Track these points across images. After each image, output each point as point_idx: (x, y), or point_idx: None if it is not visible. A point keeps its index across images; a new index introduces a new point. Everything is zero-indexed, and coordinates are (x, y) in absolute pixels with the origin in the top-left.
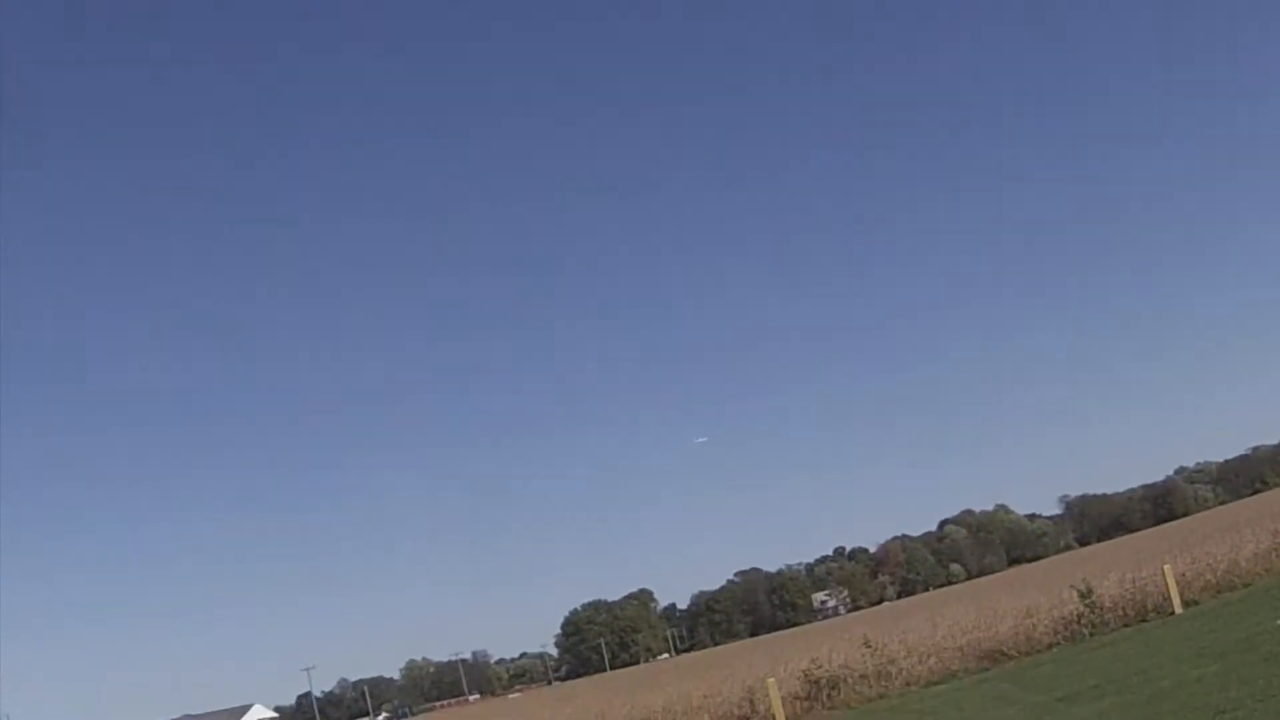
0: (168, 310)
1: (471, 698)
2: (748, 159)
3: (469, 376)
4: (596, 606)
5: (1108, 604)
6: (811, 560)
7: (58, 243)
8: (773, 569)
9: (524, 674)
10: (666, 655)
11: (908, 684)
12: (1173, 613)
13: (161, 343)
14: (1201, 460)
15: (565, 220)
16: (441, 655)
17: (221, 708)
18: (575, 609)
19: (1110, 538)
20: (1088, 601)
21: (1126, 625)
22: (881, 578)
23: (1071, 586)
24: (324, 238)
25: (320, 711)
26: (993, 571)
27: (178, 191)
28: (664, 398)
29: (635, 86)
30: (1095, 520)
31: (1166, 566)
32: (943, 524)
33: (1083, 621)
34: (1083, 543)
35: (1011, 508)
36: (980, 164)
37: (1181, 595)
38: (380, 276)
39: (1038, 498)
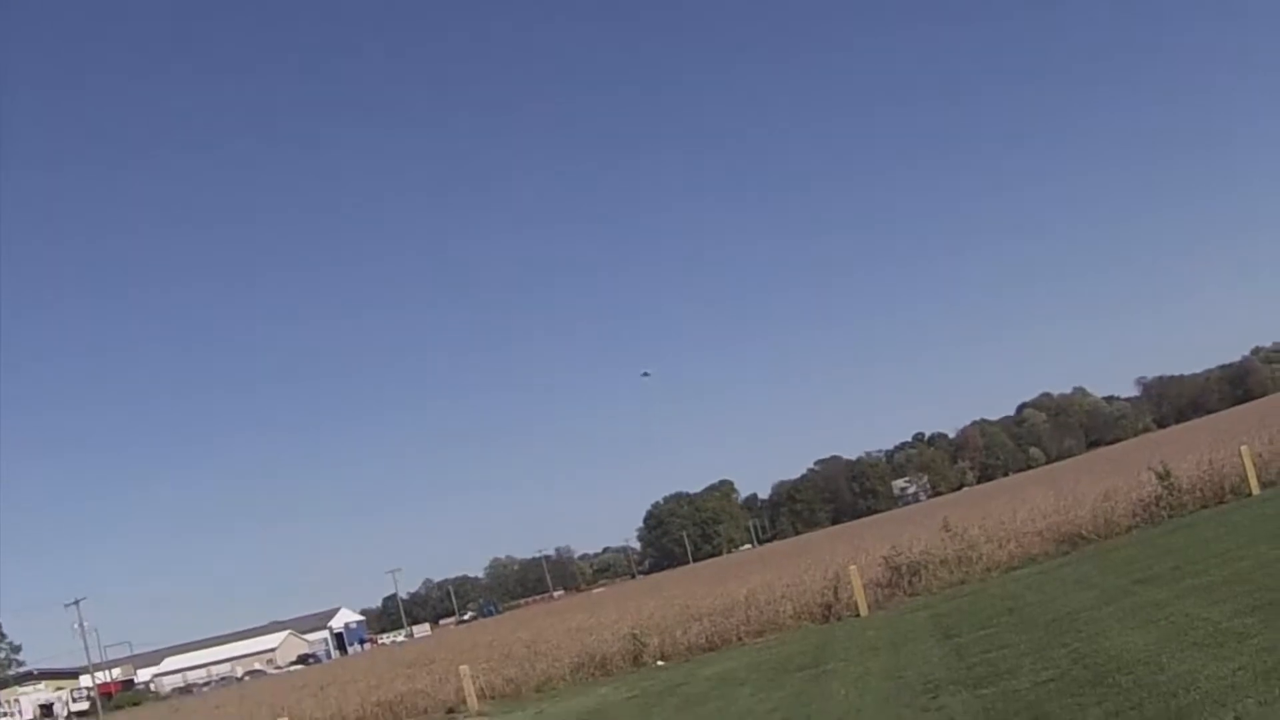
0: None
1: (556, 594)
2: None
3: (546, 278)
4: (678, 499)
5: (1185, 486)
6: (891, 447)
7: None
8: (852, 456)
9: (607, 568)
10: (749, 545)
11: (988, 569)
12: (1250, 494)
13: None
14: (1279, 340)
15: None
16: (525, 553)
17: (308, 613)
18: (657, 502)
19: (1188, 419)
20: (1166, 484)
21: (1204, 507)
22: (961, 463)
23: (1149, 469)
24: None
25: (406, 612)
26: (1072, 455)
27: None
28: (741, 289)
29: None
30: (1173, 401)
31: (1244, 448)
32: (1021, 408)
33: (1161, 504)
34: (1160, 424)
35: (1089, 390)
36: (1065, 38)
37: (1259, 476)
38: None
39: (1115, 380)
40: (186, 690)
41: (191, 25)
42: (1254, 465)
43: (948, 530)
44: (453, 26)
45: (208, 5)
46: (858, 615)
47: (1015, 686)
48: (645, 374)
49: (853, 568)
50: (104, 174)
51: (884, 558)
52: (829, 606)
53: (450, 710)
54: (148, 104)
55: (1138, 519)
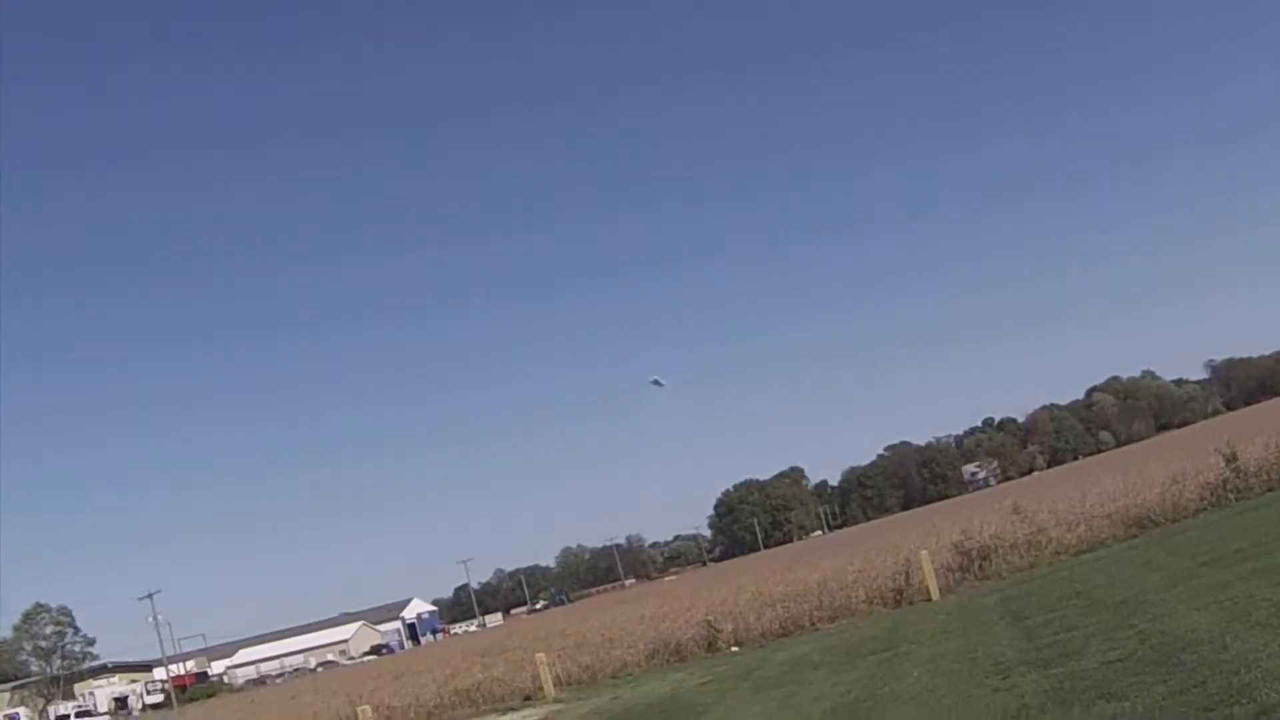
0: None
1: (627, 582)
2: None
3: (611, 266)
4: (748, 486)
5: (1253, 469)
6: (960, 432)
7: None
8: (922, 442)
9: (678, 556)
10: (819, 532)
11: (1057, 553)
12: None
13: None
14: None
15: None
16: (596, 542)
17: (381, 603)
18: (727, 489)
19: (1257, 401)
20: (1233, 466)
21: (1271, 490)
22: (1030, 447)
23: (1217, 451)
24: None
25: (478, 602)
26: (1141, 438)
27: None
28: (810, 275)
29: None
30: (1242, 384)
31: None
32: (1090, 392)
33: (1228, 487)
34: (1230, 407)
35: (1158, 374)
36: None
37: None
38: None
39: (1184, 363)
40: (260, 681)
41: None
42: None
43: (1017, 514)
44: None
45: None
46: (929, 599)
47: (1083, 666)
48: (656, 382)
49: (924, 553)
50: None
51: (954, 543)
52: (900, 591)
53: (527, 697)
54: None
55: (1205, 502)
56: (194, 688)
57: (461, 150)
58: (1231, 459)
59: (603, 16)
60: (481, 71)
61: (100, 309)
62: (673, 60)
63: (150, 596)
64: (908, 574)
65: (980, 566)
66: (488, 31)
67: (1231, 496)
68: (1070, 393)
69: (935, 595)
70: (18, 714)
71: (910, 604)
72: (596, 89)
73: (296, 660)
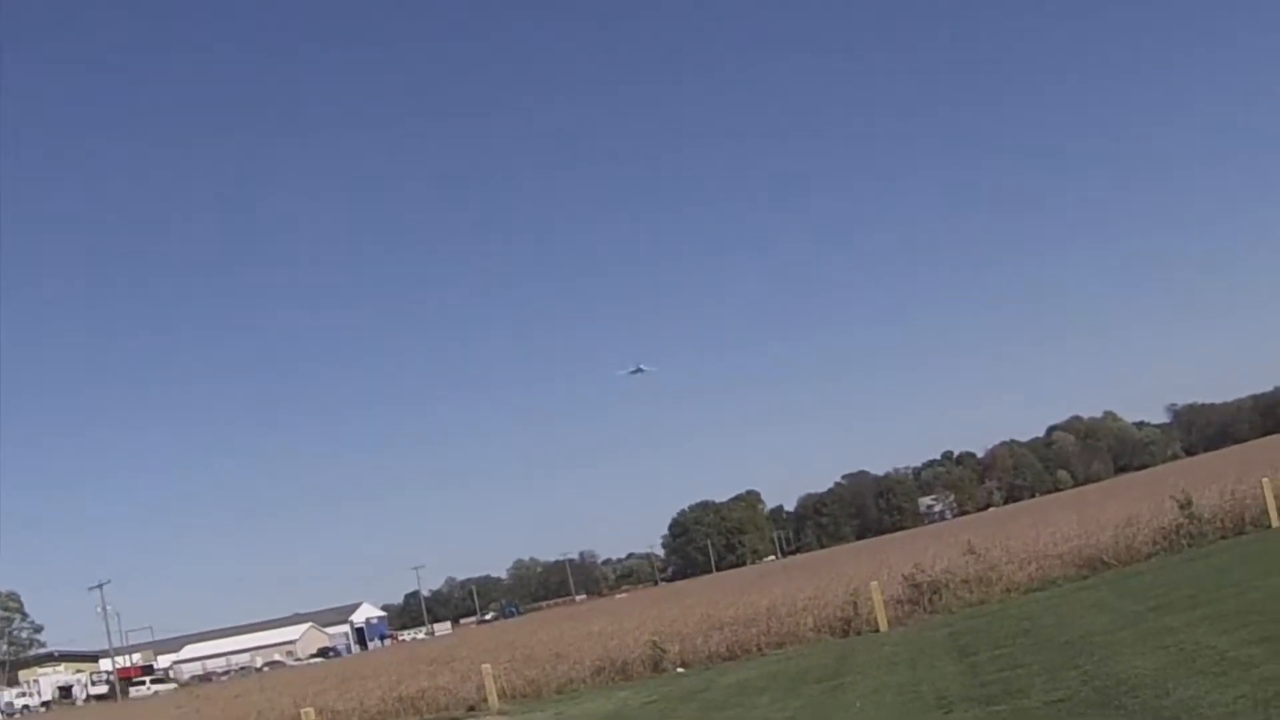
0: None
1: (578, 597)
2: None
3: (580, 282)
4: (704, 507)
5: (1207, 515)
6: (919, 464)
7: None
8: (880, 472)
9: (631, 574)
10: (773, 557)
11: (1008, 590)
12: (1270, 525)
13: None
14: None
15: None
16: (549, 555)
17: (330, 606)
18: (683, 510)
19: (1218, 447)
20: (1187, 512)
21: (1224, 537)
22: (988, 483)
23: (1171, 497)
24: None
25: (428, 610)
26: (1099, 479)
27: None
28: (776, 300)
29: None
30: (1203, 429)
31: (1265, 480)
32: (1051, 430)
33: (1181, 532)
34: (1190, 452)
35: (1120, 415)
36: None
37: None
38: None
39: (1146, 406)
40: (206, 678)
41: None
42: (1275, 498)
43: (972, 553)
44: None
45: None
46: (877, 631)
47: (1026, 705)
48: (639, 369)
49: (874, 584)
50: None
51: (905, 575)
52: (849, 621)
53: (471, 708)
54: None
55: (1158, 546)
56: (139, 680)
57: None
58: (1186, 505)
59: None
60: (463, 70)
61: (53, 299)
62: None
63: (100, 587)
64: (857, 604)
65: (930, 600)
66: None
67: (1185, 542)
68: (1031, 430)
69: (884, 627)
70: None
71: (858, 634)
72: (543, 96)
73: (243, 659)
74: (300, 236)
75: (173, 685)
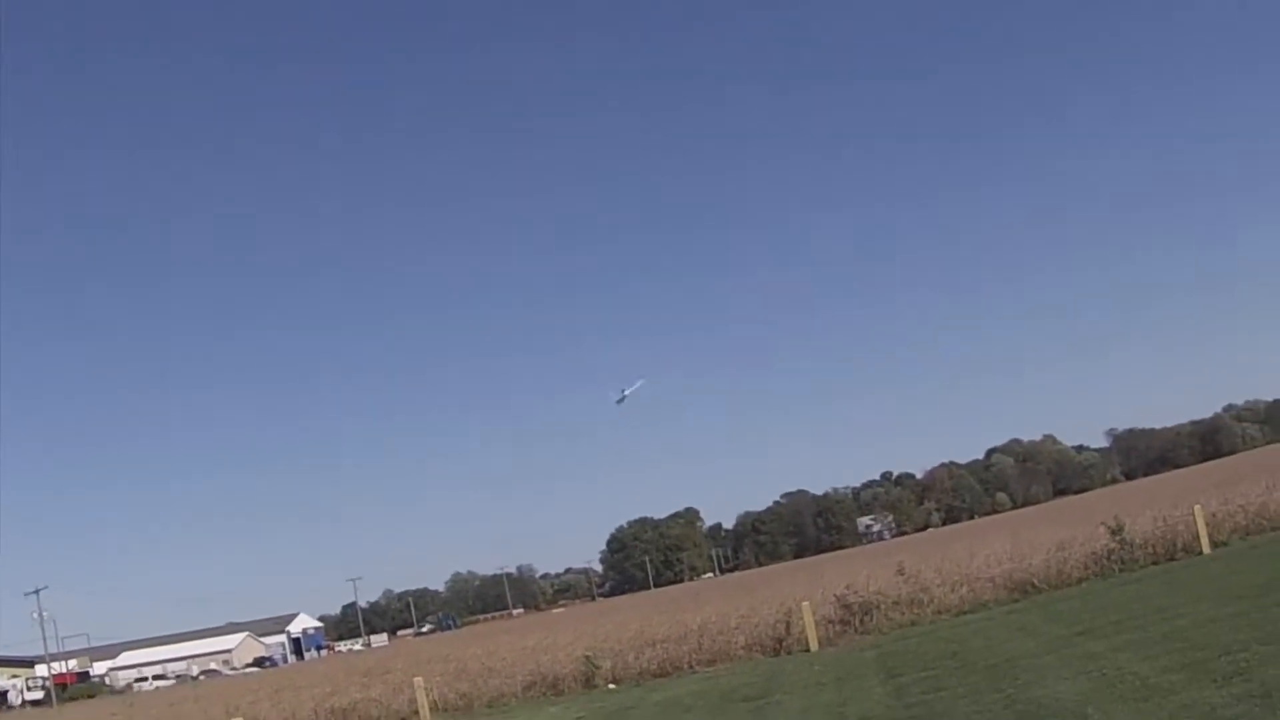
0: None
1: (515, 611)
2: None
3: (521, 294)
4: (643, 524)
5: (1138, 541)
6: (858, 484)
7: None
8: (819, 491)
9: (568, 589)
10: (711, 574)
11: (939, 612)
12: (1201, 553)
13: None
14: (1251, 399)
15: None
16: (487, 569)
17: (267, 616)
18: (621, 526)
19: (1156, 472)
20: (1118, 538)
21: (1155, 563)
22: (927, 504)
23: (1103, 524)
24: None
25: (365, 622)
26: (1038, 501)
27: None
28: (717, 319)
29: None
30: (1142, 454)
31: (1197, 507)
32: (990, 452)
33: (1112, 558)
34: (1129, 476)
35: (1059, 439)
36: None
37: (1211, 536)
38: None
39: (1086, 430)
40: (142, 682)
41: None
42: (1206, 525)
43: (902, 574)
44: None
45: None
46: (808, 650)
47: None
48: (623, 395)
49: (805, 603)
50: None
51: (837, 596)
52: (780, 640)
53: None
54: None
55: (1089, 571)
56: (75, 687)
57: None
58: (1117, 530)
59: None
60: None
61: None
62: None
63: (36, 592)
64: (789, 623)
65: (861, 621)
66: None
67: (1116, 567)
68: (970, 452)
69: (814, 646)
70: None
71: (789, 653)
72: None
73: (179, 666)
74: (257, 241)
75: (172, 681)
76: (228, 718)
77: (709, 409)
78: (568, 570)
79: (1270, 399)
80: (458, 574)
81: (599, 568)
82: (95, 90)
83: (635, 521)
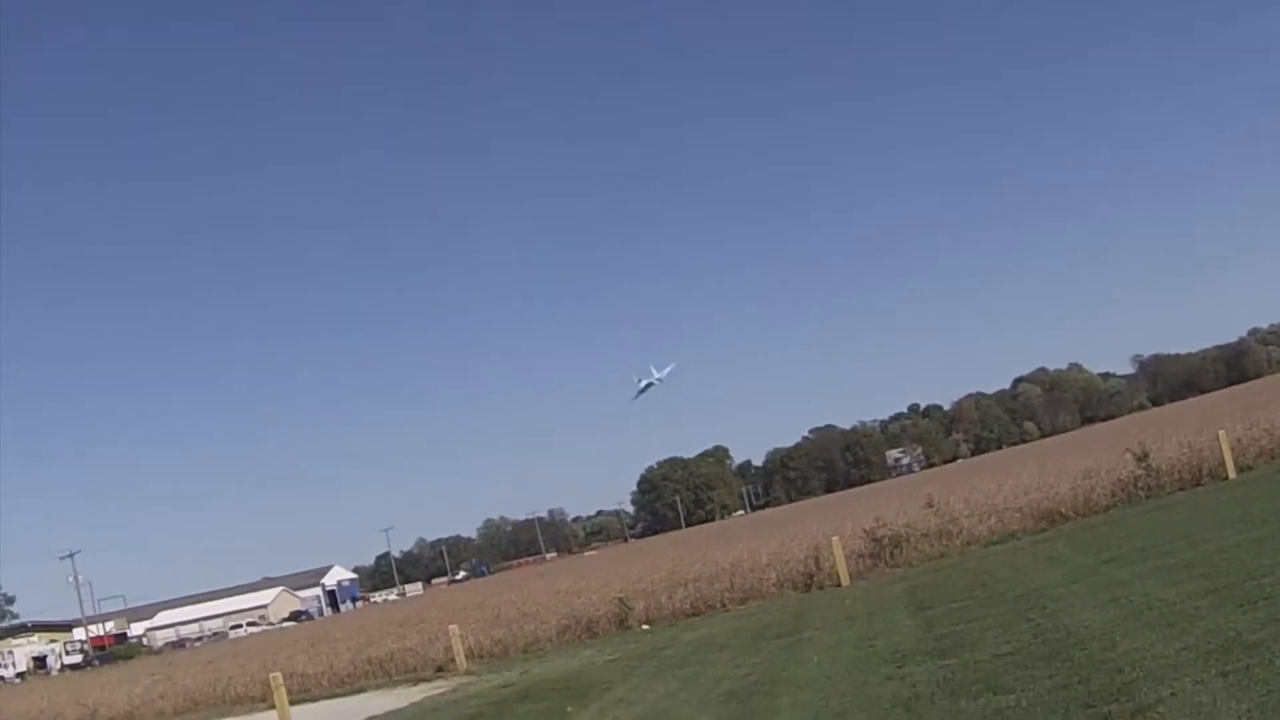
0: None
1: (548, 555)
2: None
3: (545, 243)
4: (672, 464)
5: (1164, 468)
6: (886, 417)
7: None
8: (847, 426)
9: (600, 531)
10: (742, 512)
11: (968, 543)
12: (1226, 478)
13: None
14: (1276, 322)
15: None
16: (519, 514)
17: (301, 570)
18: (651, 466)
19: (1182, 398)
20: (1144, 465)
21: (1182, 489)
22: (955, 435)
23: (1128, 450)
24: None
25: (399, 571)
26: (1066, 430)
27: None
28: (741, 257)
29: None
30: (1168, 380)
31: (1221, 432)
32: (1017, 382)
33: (1139, 485)
34: (1156, 402)
35: (1085, 366)
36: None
37: (1236, 461)
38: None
39: (1112, 357)
40: (179, 644)
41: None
42: (1231, 450)
43: (930, 507)
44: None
45: None
46: (839, 585)
47: (977, 658)
48: (649, 383)
49: (835, 539)
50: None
51: (867, 530)
52: (811, 576)
53: (440, 669)
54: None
55: (1116, 499)
56: (113, 649)
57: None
58: (1143, 458)
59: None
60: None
61: (17, 265)
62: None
63: (71, 556)
64: (819, 559)
65: (891, 554)
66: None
67: (1142, 494)
68: (997, 382)
69: (845, 581)
70: None
71: (820, 589)
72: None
73: (216, 624)
74: (285, 198)
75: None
76: (266, 673)
77: (736, 346)
78: (599, 513)
79: None
80: (490, 520)
81: (630, 509)
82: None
83: (665, 461)
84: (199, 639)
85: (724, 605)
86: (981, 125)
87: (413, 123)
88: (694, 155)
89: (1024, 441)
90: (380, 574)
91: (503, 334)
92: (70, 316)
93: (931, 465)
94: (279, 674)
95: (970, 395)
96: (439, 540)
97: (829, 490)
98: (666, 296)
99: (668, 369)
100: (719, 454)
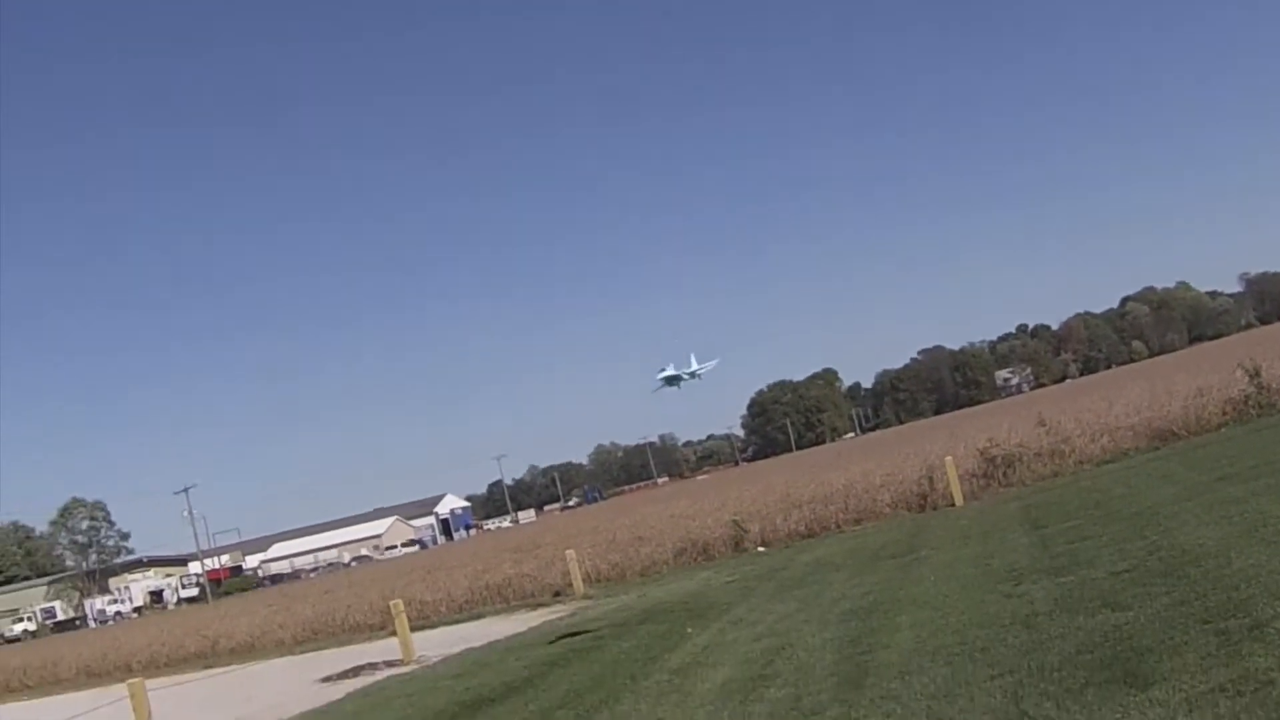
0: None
1: (660, 480)
2: None
3: (648, 166)
4: (782, 386)
5: (1276, 385)
6: (994, 338)
7: None
8: (956, 346)
9: (711, 455)
10: (852, 434)
11: (1080, 462)
12: None
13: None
14: None
15: None
16: (630, 440)
17: (414, 499)
18: (761, 389)
19: None
20: (1256, 382)
21: None
22: (1064, 355)
23: (1240, 367)
24: None
25: (511, 499)
26: (1174, 349)
27: None
28: (848, 178)
29: None
30: (1276, 298)
31: None
32: (1124, 301)
33: (1250, 403)
34: (1264, 321)
35: (1192, 285)
36: None
37: None
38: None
39: (1219, 275)
40: (294, 576)
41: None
42: None
43: (1043, 426)
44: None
45: None
46: (952, 505)
47: (1092, 575)
48: (679, 374)
49: (949, 459)
50: None
51: (979, 450)
52: (925, 496)
53: (557, 594)
54: None
55: (1228, 417)
56: (228, 581)
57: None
58: (1255, 375)
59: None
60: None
61: (141, 203)
62: None
63: (185, 491)
64: (932, 479)
65: (1004, 474)
66: None
67: (1254, 412)
68: (1105, 301)
69: (959, 501)
70: (54, 607)
71: (934, 509)
72: None
73: (330, 555)
74: (406, 129)
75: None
76: (383, 601)
77: (843, 268)
78: (710, 437)
79: None
80: (601, 446)
81: (740, 433)
82: None
83: (774, 384)
84: (314, 570)
85: (838, 526)
86: (1091, 38)
87: None
88: (806, 70)
89: (1132, 361)
90: (493, 501)
91: (610, 257)
92: (188, 251)
93: (1041, 385)
94: (399, 601)
95: (1078, 315)
96: (551, 467)
97: (938, 411)
98: (774, 217)
99: (710, 363)
100: (828, 376)
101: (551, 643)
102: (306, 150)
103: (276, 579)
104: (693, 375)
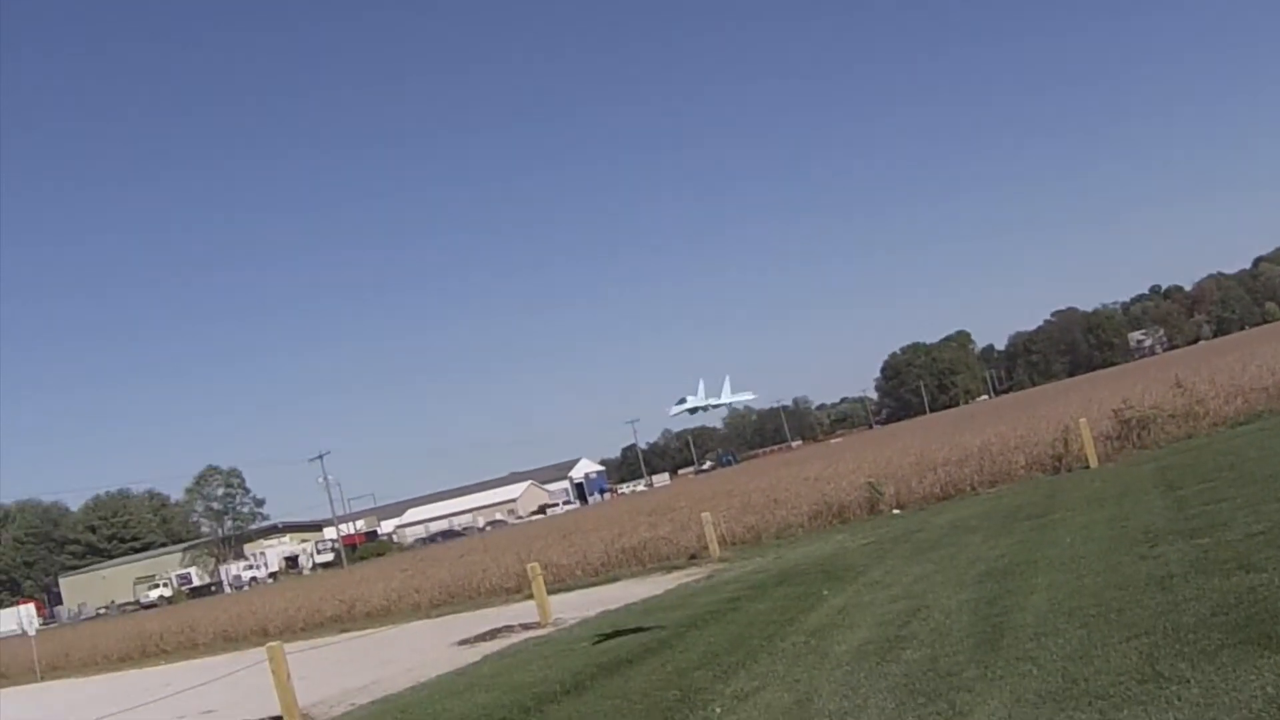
0: None
1: (794, 443)
2: None
3: (768, 128)
4: (915, 349)
5: None
6: (1127, 299)
7: None
8: (1089, 308)
9: (845, 418)
10: (985, 396)
11: (1215, 424)
12: None
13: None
14: None
15: None
16: (763, 403)
17: (549, 463)
18: (895, 352)
19: None
20: None
21: None
22: (1197, 316)
23: None
24: None
25: (645, 462)
26: None
27: None
28: (982, 141)
29: None
30: None
31: None
32: (1258, 261)
33: None
34: None
35: None
36: None
37: None
38: None
39: None
40: (429, 540)
41: None
42: None
43: (1179, 387)
44: None
45: None
46: (1087, 467)
47: (1228, 538)
48: (699, 406)
49: (1083, 420)
50: None
51: (1114, 411)
52: (1059, 458)
53: (693, 556)
54: None
55: None
56: (363, 547)
57: None
58: None
59: None
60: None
61: (278, 169)
62: None
63: (320, 458)
64: (1067, 441)
65: (1139, 436)
66: None
67: None
68: (1238, 262)
69: (1093, 463)
70: (189, 573)
71: (1069, 471)
72: None
73: (465, 519)
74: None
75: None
76: (519, 565)
77: (976, 230)
78: (843, 400)
79: None
80: (734, 410)
81: (874, 396)
82: None
83: (908, 347)
84: (448, 533)
85: (973, 488)
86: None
87: None
88: (927, 33)
89: (1266, 322)
90: (627, 465)
91: (745, 219)
92: (321, 214)
93: (1174, 347)
94: (536, 564)
95: (1211, 275)
96: (684, 431)
97: (1072, 373)
98: (908, 182)
99: (744, 395)
100: (961, 338)
101: (597, 642)
102: (445, 120)
103: (437, 538)
104: (715, 407)
